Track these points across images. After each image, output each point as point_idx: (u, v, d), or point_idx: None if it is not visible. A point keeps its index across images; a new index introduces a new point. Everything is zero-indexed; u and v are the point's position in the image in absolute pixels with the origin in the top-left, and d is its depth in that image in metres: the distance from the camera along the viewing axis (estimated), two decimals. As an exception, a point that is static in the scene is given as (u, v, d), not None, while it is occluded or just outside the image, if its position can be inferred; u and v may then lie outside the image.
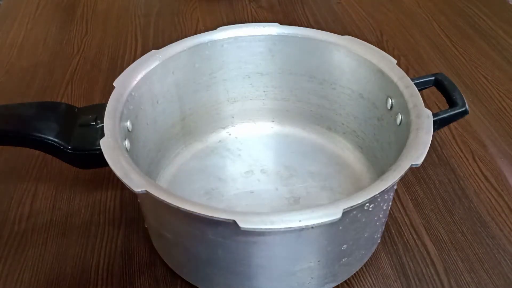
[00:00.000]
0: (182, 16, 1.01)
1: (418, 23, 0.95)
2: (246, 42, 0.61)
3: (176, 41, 0.58)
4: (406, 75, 0.53)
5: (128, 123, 0.52)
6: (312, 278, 0.46)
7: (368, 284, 0.52)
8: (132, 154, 0.47)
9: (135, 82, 0.53)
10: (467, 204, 0.60)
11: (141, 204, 0.51)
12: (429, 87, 0.55)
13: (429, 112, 0.48)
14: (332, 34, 0.59)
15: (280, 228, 0.37)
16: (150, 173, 0.57)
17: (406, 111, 0.50)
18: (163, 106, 0.59)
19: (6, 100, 0.77)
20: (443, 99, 0.54)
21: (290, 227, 0.37)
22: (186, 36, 0.59)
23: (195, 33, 0.60)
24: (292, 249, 0.43)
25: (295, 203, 0.57)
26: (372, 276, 0.53)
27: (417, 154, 0.43)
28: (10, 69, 0.84)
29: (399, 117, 0.52)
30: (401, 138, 0.47)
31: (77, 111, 0.53)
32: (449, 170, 0.65)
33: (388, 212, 0.50)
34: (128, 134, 0.51)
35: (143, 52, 0.65)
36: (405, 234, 0.57)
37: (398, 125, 0.52)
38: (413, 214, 0.59)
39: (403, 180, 0.42)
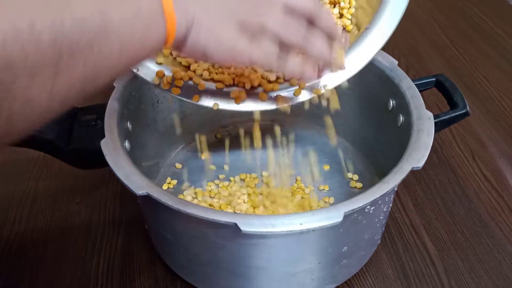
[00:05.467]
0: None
1: (418, 23, 0.95)
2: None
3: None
4: (407, 76, 0.53)
5: (128, 123, 0.52)
6: (312, 279, 0.47)
7: (368, 284, 0.52)
8: (132, 154, 0.47)
9: (136, 82, 0.53)
10: (467, 204, 0.60)
11: (141, 205, 0.51)
12: (430, 88, 0.55)
13: (430, 114, 0.48)
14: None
15: (281, 231, 0.37)
16: (150, 173, 0.57)
17: (407, 113, 0.50)
18: (163, 106, 0.59)
19: (5, 99, 0.77)
20: (444, 100, 0.54)
21: (291, 230, 0.37)
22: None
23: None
24: (293, 251, 0.43)
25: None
26: (372, 276, 0.53)
27: (418, 156, 0.43)
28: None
29: (400, 118, 0.52)
30: (402, 139, 0.48)
31: (77, 111, 0.53)
32: (449, 170, 0.65)
33: (388, 213, 0.50)
34: (128, 134, 0.51)
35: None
36: (405, 234, 0.57)
37: (398, 126, 0.52)
38: (413, 214, 0.59)
39: (403, 180, 0.42)
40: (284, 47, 0.37)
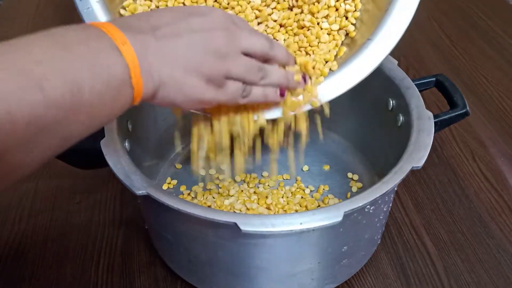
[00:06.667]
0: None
1: (418, 23, 0.95)
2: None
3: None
4: (407, 76, 0.53)
5: (128, 124, 0.52)
6: (312, 279, 0.47)
7: (368, 284, 0.52)
8: (132, 154, 0.47)
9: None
10: (467, 204, 0.60)
11: (141, 205, 0.51)
12: (430, 88, 0.55)
13: (430, 114, 0.48)
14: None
15: (281, 231, 0.38)
16: (150, 173, 0.57)
17: (407, 112, 0.50)
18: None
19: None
20: (444, 100, 0.54)
21: (291, 230, 0.37)
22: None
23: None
24: (293, 251, 0.43)
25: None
26: (372, 276, 0.53)
27: (418, 156, 0.43)
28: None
29: (400, 118, 0.52)
30: (402, 139, 0.48)
31: (77, 111, 0.52)
32: (449, 170, 0.65)
33: (388, 213, 0.50)
34: (128, 134, 0.51)
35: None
36: (405, 234, 0.57)
37: (398, 126, 0.52)
38: (413, 214, 0.59)
39: (403, 180, 0.42)
40: (246, 83, 0.39)
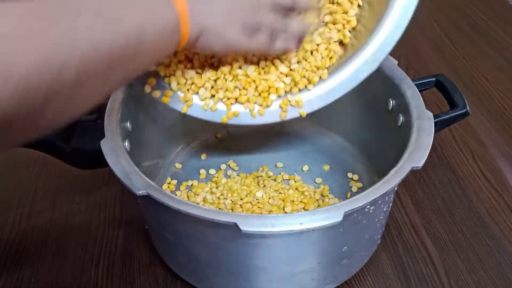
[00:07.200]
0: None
1: (418, 23, 0.95)
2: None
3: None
4: (407, 76, 0.53)
5: (128, 123, 0.52)
6: (312, 279, 0.47)
7: (368, 284, 0.52)
8: (132, 154, 0.47)
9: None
10: (467, 204, 0.60)
11: (141, 205, 0.51)
12: (430, 88, 0.55)
13: (430, 114, 0.48)
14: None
15: (281, 231, 0.38)
16: (150, 173, 0.57)
17: (407, 112, 0.50)
18: (163, 106, 0.58)
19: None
20: (444, 100, 0.54)
21: (291, 230, 0.37)
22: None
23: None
24: (293, 251, 0.43)
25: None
26: (372, 276, 0.53)
27: (418, 156, 0.43)
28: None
29: (400, 118, 0.52)
30: (402, 139, 0.48)
31: (77, 111, 0.52)
32: (449, 170, 0.65)
33: (388, 213, 0.50)
34: (129, 134, 0.51)
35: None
36: (405, 234, 0.57)
37: (398, 126, 0.52)
38: (413, 214, 0.59)
39: (403, 180, 0.43)
40: (272, 33, 0.46)
